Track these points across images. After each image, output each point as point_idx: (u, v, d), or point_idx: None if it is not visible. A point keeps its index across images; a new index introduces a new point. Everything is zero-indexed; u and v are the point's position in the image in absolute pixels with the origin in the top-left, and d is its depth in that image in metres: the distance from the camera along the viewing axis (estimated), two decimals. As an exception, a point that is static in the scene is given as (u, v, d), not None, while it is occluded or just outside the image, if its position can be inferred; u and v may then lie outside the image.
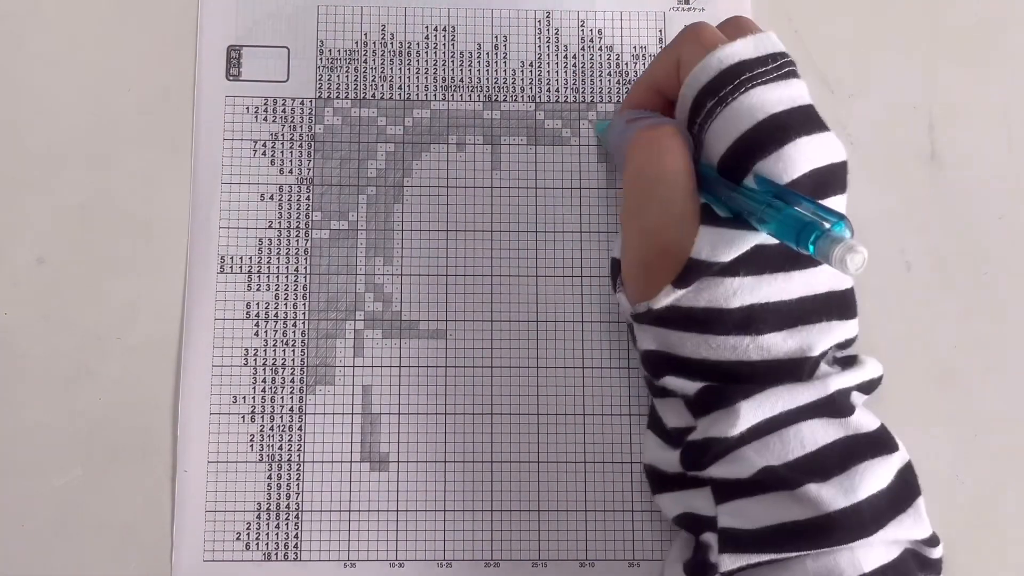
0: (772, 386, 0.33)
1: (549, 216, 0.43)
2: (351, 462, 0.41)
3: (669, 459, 0.36)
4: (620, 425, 0.41)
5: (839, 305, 0.35)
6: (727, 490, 0.34)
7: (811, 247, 0.28)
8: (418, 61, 0.44)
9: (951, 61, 0.45)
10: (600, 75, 0.44)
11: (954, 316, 0.43)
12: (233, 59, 0.44)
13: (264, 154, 0.43)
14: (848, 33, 0.45)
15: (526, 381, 0.41)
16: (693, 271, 0.33)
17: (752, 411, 0.33)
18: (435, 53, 0.44)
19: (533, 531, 0.40)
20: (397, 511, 0.40)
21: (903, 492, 0.33)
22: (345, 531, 0.40)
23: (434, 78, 0.44)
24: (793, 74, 0.33)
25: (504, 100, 0.44)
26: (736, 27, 0.35)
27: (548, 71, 0.44)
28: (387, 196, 0.43)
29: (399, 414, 0.41)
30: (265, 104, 0.43)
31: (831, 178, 0.32)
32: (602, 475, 0.41)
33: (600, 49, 0.44)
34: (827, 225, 0.29)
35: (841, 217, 0.29)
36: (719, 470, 0.34)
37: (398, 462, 0.41)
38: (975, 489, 0.41)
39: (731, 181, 0.33)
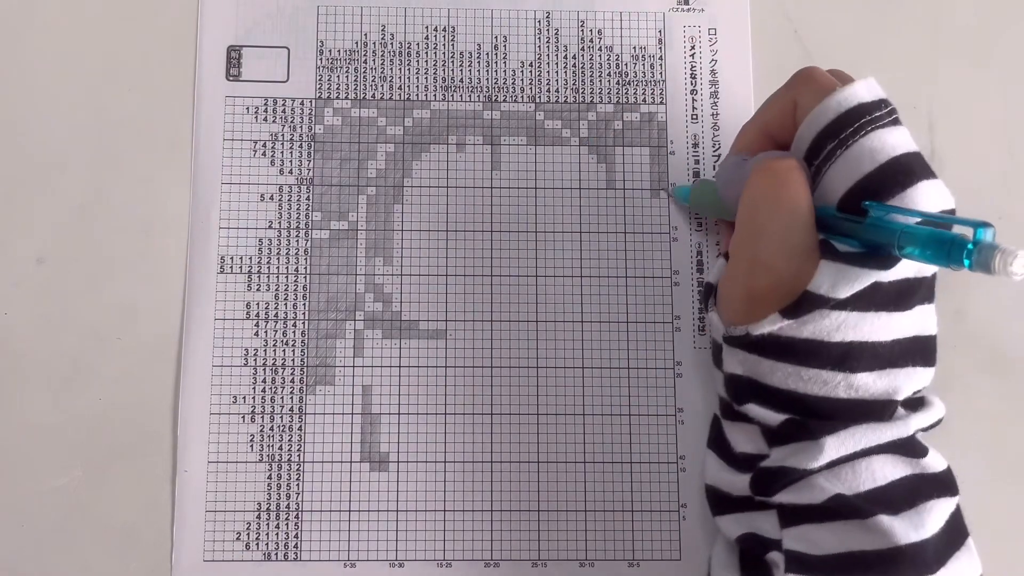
0: (856, 423, 0.33)
1: (549, 216, 0.43)
2: (351, 462, 0.41)
3: (734, 481, 0.36)
4: (620, 425, 0.41)
5: (923, 351, 0.35)
6: (795, 515, 0.34)
7: (966, 260, 0.28)
8: (418, 61, 0.44)
9: (951, 61, 0.45)
10: (600, 75, 0.44)
11: (954, 316, 0.43)
12: (233, 59, 0.44)
13: (264, 154, 0.43)
14: (848, 33, 0.45)
15: (526, 381, 0.41)
16: (807, 303, 0.33)
17: (836, 447, 0.33)
18: (435, 53, 0.44)
19: (533, 531, 0.40)
20: (397, 511, 0.40)
21: (955, 532, 0.34)
22: (345, 531, 0.40)
23: (434, 78, 0.44)
24: (899, 121, 0.34)
25: (504, 100, 0.44)
26: (838, 75, 0.35)
27: (548, 71, 0.44)
28: (387, 196, 0.43)
29: (399, 414, 0.41)
30: (265, 104, 0.43)
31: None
32: (602, 475, 0.41)
33: (600, 49, 0.44)
34: (970, 236, 0.28)
35: (984, 223, 0.29)
36: (788, 496, 0.34)
37: (398, 462, 0.41)
38: (975, 490, 0.41)
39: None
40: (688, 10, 0.45)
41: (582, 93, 0.44)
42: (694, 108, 0.44)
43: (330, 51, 0.44)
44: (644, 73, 0.44)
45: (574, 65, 0.44)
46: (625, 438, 0.41)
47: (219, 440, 0.41)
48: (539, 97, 0.44)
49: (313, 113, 0.43)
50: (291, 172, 0.43)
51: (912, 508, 0.33)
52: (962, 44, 0.45)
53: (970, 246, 0.28)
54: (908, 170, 0.32)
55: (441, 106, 0.44)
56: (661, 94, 0.44)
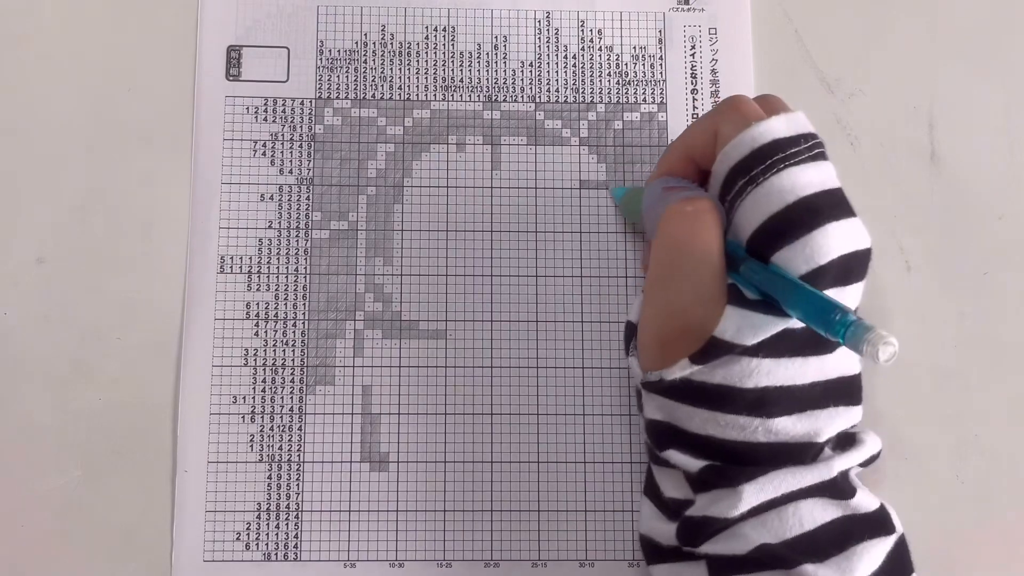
0: (776, 468, 0.33)
1: (549, 216, 0.43)
2: (351, 462, 0.41)
3: (665, 531, 0.36)
4: (620, 425, 0.41)
5: (847, 391, 0.34)
6: (723, 566, 0.33)
7: (841, 335, 0.28)
8: (418, 61, 0.44)
9: (951, 61, 0.45)
10: (600, 75, 0.44)
11: (954, 316, 0.43)
12: (233, 59, 0.44)
13: (264, 154, 0.43)
14: (848, 33, 0.45)
15: (526, 381, 0.41)
16: (714, 349, 0.32)
17: (755, 493, 0.32)
18: (435, 53, 0.44)
19: (533, 531, 0.40)
20: (397, 511, 0.40)
21: (896, 571, 0.33)
22: (345, 531, 0.40)
23: (434, 78, 0.44)
24: (823, 156, 0.33)
25: (504, 100, 0.44)
26: (769, 104, 0.34)
27: (548, 71, 0.44)
28: (387, 196, 0.43)
29: (399, 414, 0.41)
30: (265, 104, 0.43)
31: (855, 265, 0.32)
32: (602, 475, 0.41)
33: (600, 49, 0.44)
34: (854, 315, 0.28)
35: (845, 309, 0.29)
36: (715, 546, 0.33)
37: (398, 462, 0.41)
38: (975, 489, 0.41)
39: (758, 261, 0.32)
40: (688, 10, 0.45)
41: (582, 93, 0.44)
42: (694, 108, 0.44)
43: (330, 51, 0.44)
44: (644, 73, 0.44)
45: (574, 65, 0.44)
46: (625, 438, 0.41)
47: (219, 440, 0.41)
48: (539, 97, 0.44)
49: (313, 113, 0.43)
50: (291, 172, 0.43)
51: (841, 553, 0.32)
52: (962, 44, 0.45)
53: (848, 321, 0.28)
54: (815, 211, 0.31)
55: (441, 106, 0.44)
56: (661, 94, 0.44)
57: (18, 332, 0.41)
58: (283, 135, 0.43)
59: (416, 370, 0.41)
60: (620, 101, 0.44)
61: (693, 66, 0.44)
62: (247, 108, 0.43)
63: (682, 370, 0.33)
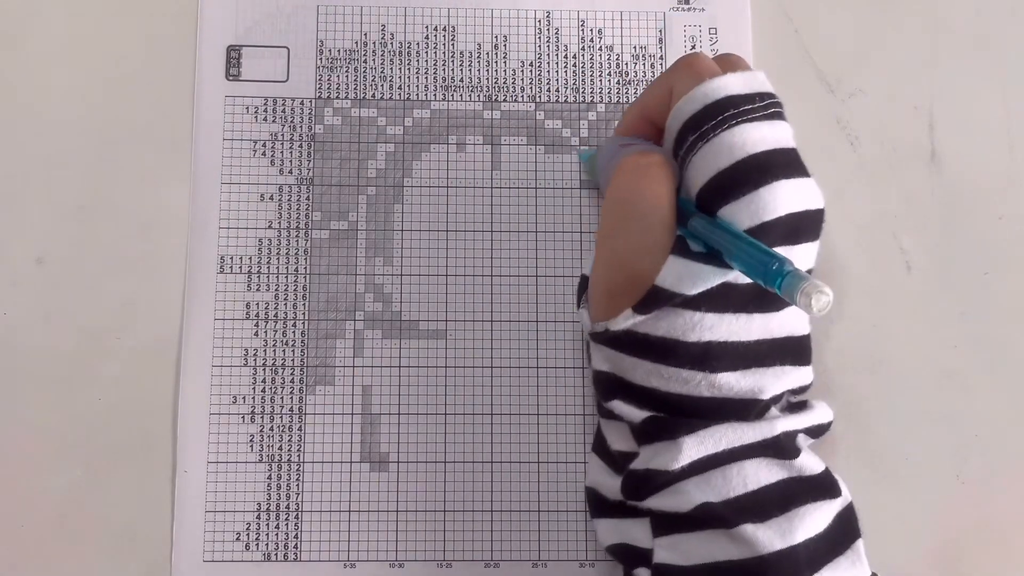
0: (718, 423, 0.33)
1: (549, 216, 0.43)
2: (351, 462, 0.41)
3: (611, 485, 0.36)
4: (620, 425, 0.41)
5: (795, 351, 0.34)
6: (665, 523, 0.34)
7: (777, 285, 0.28)
8: (418, 61, 0.44)
9: (951, 61, 0.45)
10: (600, 75, 0.44)
11: (954, 316, 0.43)
12: (233, 59, 0.44)
13: (264, 154, 0.43)
14: (848, 33, 0.45)
15: (526, 381, 0.41)
16: (655, 299, 0.32)
17: (695, 446, 0.33)
18: (435, 53, 0.44)
19: (533, 531, 0.40)
20: (397, 511, 0.40)
21: (841, 535, 0.33)
22: (345, 531, 0.40)
23: (434, 78, 0.44)
24: (779, 115, 0.33)
25: (504, 100, 0.44)
26: (728, 62, 0.34)
27: (548, 71, 0.44)
28: (387, 196, 0.43)
29: (399, 414, 0.41)
30: (265, 104, 0.43)
31: (805, 224, 0.32)
32: (602, 475, 0.41)
33: (600, 49, 0.44)
34: (792, 266, 0.28)
35: (781, 258, 0.29)
36: (658, 502, 0.34)
37: (398, 462, 0.41)
38: (975, 489, 0.41)
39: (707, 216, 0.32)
40: (688, 10, 0.45)
41: (582, 93, 0.44)
42: (694, 108, 0.44)
43: (330, 51, 0.44)
44: (644, 73, 0.44)
45: (574, 65, 0.44)
46: (625, 438, 0.41)
47: (219, 440, 0.41)
48: (539, 97, 0.44)
49: (313, 113, 0.43)
50: (291, 172, 0.43)
51: (783, 514, 0.32)
52: (962, 44, 0.45)
53: (786, 271, 0.28)
54: (764, 168, 0.31)
55: (441, 106, 0.44)
56: (661, 94, 0.44)
57: (18, 332, 0.41)
58: (283, 135, 0.43)
59: (416, 370, 0.41)
60: (620, 101, 0.44)
61: (693, 66, 0.44)
62: (247, 108, 0.43)
63: (626, 320, 0.33)
